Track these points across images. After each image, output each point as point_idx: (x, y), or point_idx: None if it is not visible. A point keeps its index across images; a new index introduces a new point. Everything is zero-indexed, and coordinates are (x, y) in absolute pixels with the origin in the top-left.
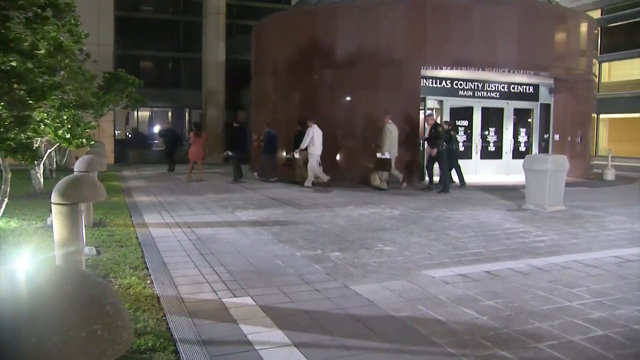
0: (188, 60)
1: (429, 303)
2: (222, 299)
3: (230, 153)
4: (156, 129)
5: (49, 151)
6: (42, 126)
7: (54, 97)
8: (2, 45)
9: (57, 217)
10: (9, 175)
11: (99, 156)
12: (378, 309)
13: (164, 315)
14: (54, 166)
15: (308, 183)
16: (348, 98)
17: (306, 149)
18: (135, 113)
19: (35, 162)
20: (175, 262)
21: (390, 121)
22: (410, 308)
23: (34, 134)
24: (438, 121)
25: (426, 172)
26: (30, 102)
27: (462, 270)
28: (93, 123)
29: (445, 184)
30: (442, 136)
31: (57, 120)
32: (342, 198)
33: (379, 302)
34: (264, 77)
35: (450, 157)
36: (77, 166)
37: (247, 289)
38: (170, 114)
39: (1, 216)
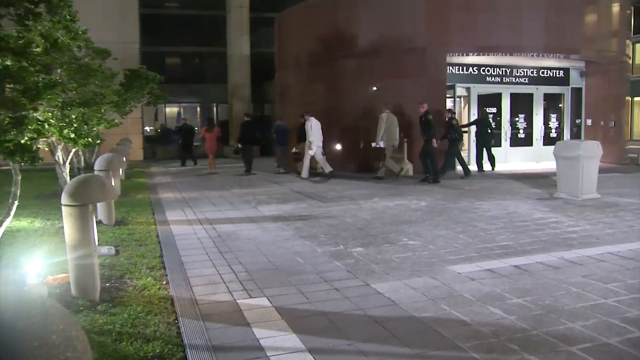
0: (213, 55)
1: (453, 302)
2: (237, 300)
3: (240, 146)
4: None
5: (73, 149)
6: (47, 126)
7: (50, 96)
8: None
9: (67, 219)
10: (19, 178)
11: (119, 154)
12: (399, 309)
13: (176, 319)
14: (82, 164)
15: (327, 170)
16: (374, 88)
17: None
18: (164, 109)
19: (35, 163)
20: (193, 262)
21: (387, 111)
22: (433, 308)
23: (37, 135)
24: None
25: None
26: (24, 102)
27: (489, 265)
28: (116, 120)
29: (436, 171)
30: (432, 125)
31: (67, 120)
32: (366, 190)
33: (400, 302)
34: (287, 68)
35: (452, 145)
36: (97, 165)
37: (264, 289)
38: (198, 109)
39: (26, 216)
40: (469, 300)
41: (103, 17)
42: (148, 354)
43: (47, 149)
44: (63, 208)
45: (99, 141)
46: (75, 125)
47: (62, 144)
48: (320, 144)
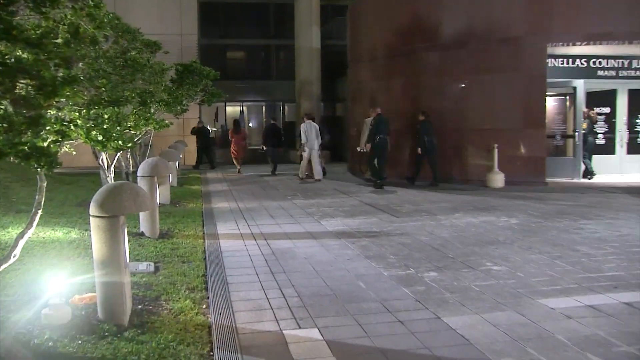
0: (279, 49)
1: (542, 345)
2: (284, 331)
3: (264, 148)
4: (253, 124)
5: (117, 155)
6: (72, 127)
7: (68, 93)
8: (4, 34)
9: (95, 232)
10: (44, 184)
11: (167, 158)
12: (473, 350)
13: (211, 350)
14: (130, 169)
15: (318, 176)
16: (462, 85)
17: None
18: (224, 108)
19: (53, 169)
20: (239, 282)
21: (375, 115)
22: (515, 351)
23: (61, 137)
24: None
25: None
26: (39, 100)
27: (592, 300)
28: (167, 121)
29: (379, 177)
30: (382, 128)
31: (99, 120)
32: (449, 203)
33: (475, 341)
34: (361, 63)
35: (430, 152)
36: (140, 170)
37: (316, 318)
38: (263, 108)
39: (63, 225)
40: (562, 344)
41: (159, 6)
42: None
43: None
44: (91, 219)
45: (130, 145)
46: (105, 126)
47: None
48: (316, 147)
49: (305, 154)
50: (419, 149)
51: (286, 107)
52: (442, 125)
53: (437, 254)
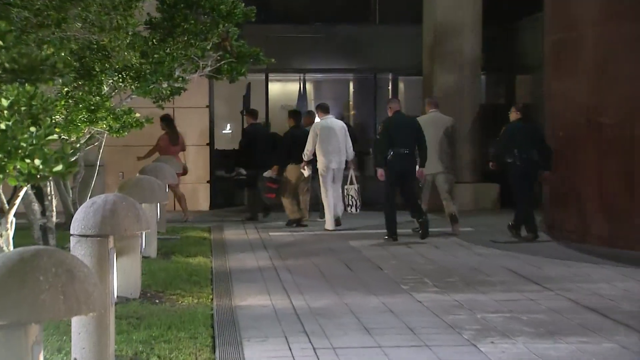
0: None
1: None
2: None
3: (243, 172)
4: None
5: (25, 189)
6: None
7: None
8: None
9: None
10: None
11: (131, 195)
12: None
13: None
14: (53, 218)
15: (328, 225)
16: None
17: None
18: (264, 84)
19: None
20: None
21: (435, 109)
22: None
23: None
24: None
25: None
26: None
27: None
28: (139, 115)
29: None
30: (379, 143)
31: None
32: None
33: None
34: None
35: (522, 175)
36: (77, 224)
37: None
38: (350, 84)
39: None
40: None
41: None
42: None
43: None
44: None
45: (59, 168)
46: (2, 124)
47: None
48: (335, 163)
49: (305, 173)
50: (491, 163)
51: (400, 84)
52: None
53: None
